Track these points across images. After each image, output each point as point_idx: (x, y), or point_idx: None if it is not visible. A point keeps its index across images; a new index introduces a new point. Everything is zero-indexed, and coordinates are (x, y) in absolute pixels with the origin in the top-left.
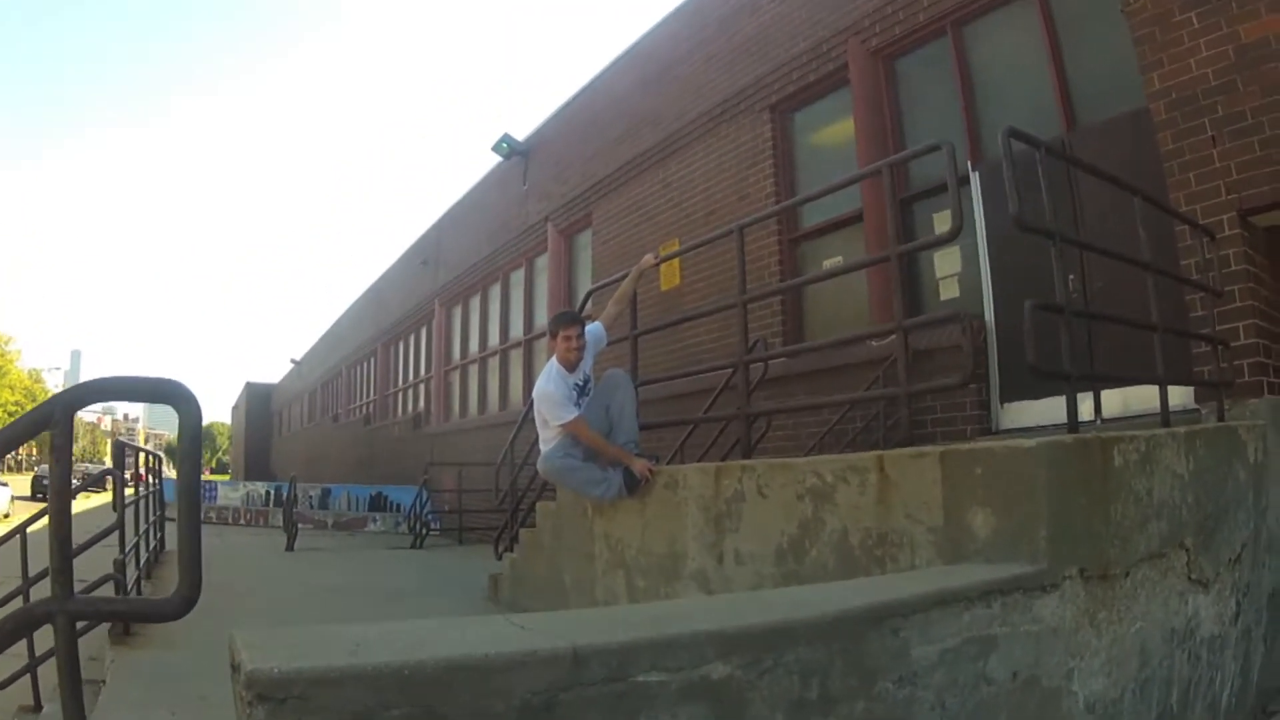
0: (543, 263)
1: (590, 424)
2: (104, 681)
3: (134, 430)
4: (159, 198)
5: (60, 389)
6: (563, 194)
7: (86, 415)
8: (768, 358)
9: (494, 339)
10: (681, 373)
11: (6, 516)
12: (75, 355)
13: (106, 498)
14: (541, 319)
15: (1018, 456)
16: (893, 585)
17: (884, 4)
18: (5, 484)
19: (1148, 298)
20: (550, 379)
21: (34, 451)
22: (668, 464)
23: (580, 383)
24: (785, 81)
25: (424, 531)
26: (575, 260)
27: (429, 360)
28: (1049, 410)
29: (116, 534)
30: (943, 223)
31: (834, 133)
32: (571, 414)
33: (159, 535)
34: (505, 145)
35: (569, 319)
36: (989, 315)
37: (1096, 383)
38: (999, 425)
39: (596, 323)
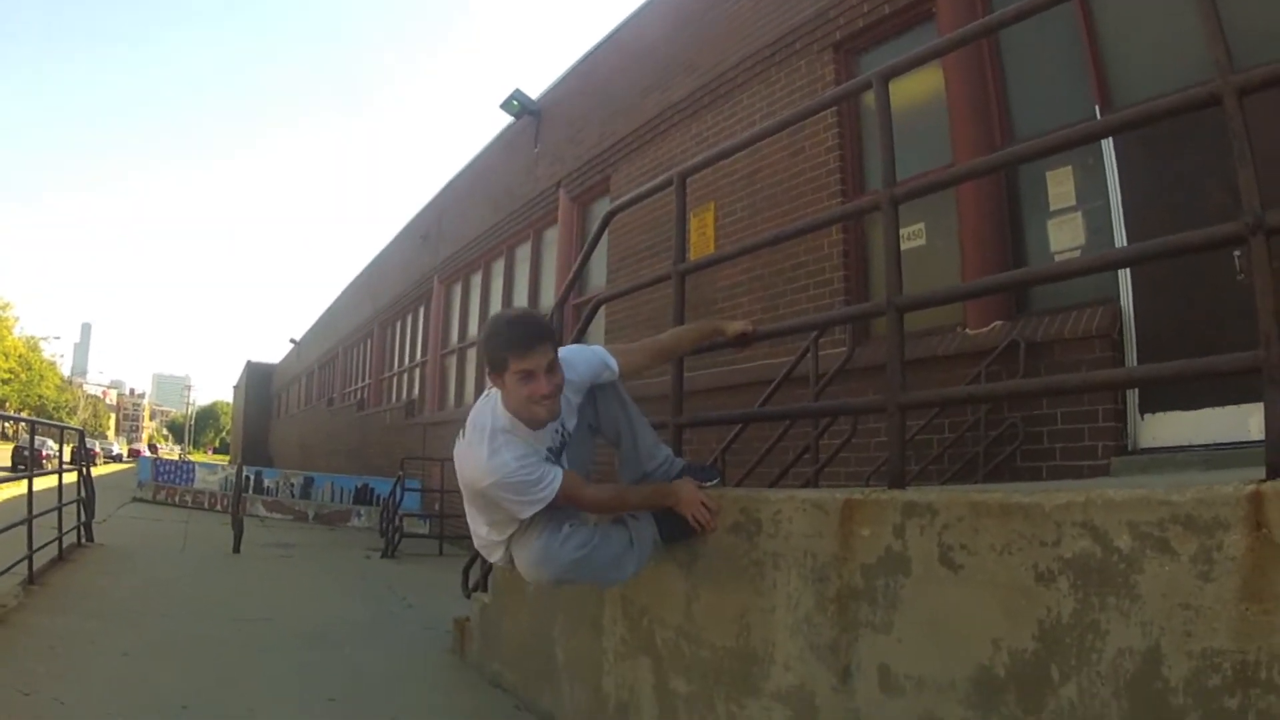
0: (552, 235)
1: (586, 470)
2: None
3: (140, 405)
4: (175, 172)
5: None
6: (577, 155)
7: (91, 389)
8: (916, 304)
9: None
10: (775, 330)
11: None
12: (86, 328)
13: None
14: (548, 298)
15: None
16: None
17: None
18: None
19: None
20: (497, 449)
21: (16, 430)
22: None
23: (556, 444)
24: (853, 14)
25: (397, 538)
26: (588, 232)
27: (425, 343)
28: (1204, 424)
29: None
30: (1058, 181)
31: (915, 79)
32: (551, 484)
33: (81, 522)
34: (516, 103)
35: (531, 335)
36: (1125, 300)
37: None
38: (1137, 443)
39: (596, 348)
